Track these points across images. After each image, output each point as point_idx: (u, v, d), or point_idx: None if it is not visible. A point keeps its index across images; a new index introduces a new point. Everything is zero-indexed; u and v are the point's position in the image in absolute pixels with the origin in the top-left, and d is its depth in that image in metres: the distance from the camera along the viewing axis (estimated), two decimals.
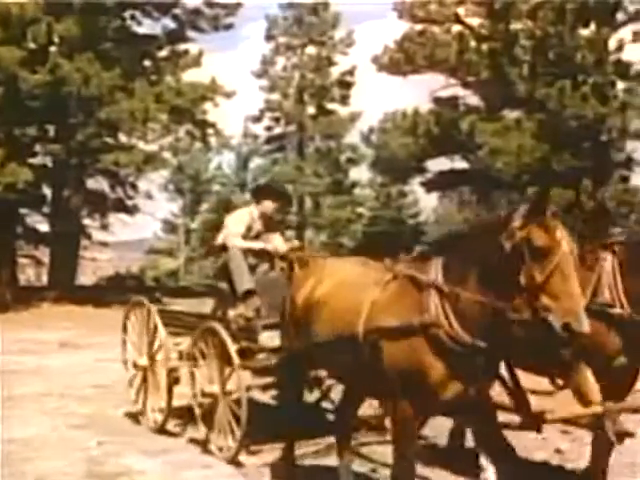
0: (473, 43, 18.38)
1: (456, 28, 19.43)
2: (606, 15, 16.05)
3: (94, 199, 20.90)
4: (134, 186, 21.58)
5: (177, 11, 21.35)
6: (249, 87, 47.37)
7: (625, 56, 16.24)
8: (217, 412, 6.50)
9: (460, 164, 20.45)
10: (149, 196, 22.47)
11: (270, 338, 6.43)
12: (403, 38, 20.31)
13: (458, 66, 18.34)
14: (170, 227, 36.72)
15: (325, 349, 5.09)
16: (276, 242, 7.24)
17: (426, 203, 33.84)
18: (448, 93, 20.06)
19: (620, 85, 16.32)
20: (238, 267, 6.80)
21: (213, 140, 22.71)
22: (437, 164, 20.98)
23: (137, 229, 34.01)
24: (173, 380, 7.16)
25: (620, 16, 16.22)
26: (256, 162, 34.92)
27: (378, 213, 32.23)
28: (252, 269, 6.99)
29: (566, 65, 16.17)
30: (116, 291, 20.02)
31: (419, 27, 20.32)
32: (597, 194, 15.50)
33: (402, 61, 20.01)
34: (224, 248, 6.96)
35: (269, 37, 32.18)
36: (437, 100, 20.20)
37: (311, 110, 32.11)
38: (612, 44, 16.30)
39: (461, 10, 19.49)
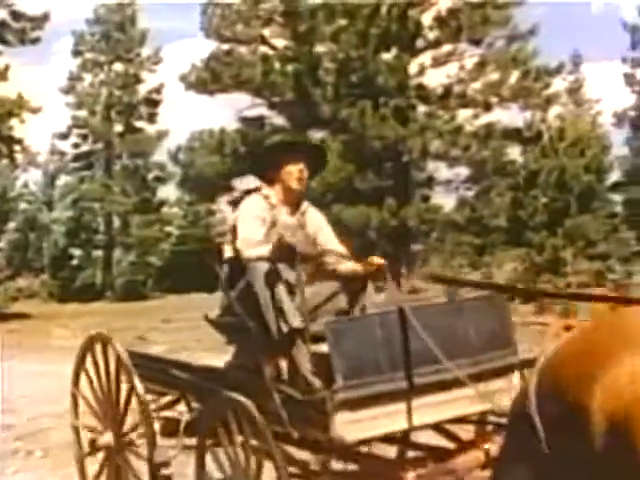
0: (278, 64, 18.55)
1: (262, 49, 19.65)
2: (407, 41, 16.54)
3: None
4: None
5: None
6: (57, 103, 46.03)
7: (425, 80, 16.79)
8: None
9: None
10: None
11: (353, 425, 3.90)
12: (210, 57, 20.27)
13: (263, 86, 18.45)
14: None
15: None
16: (323, 238, 4.74)
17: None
18: (254, 113, 20.16)
19: (421, 108, 16.85)
20: (269, 289, 4.37)
21: (20, 157, 22.00)
22: (244, 183, 20.87)
23: None
24: None
25: (420, 42, 16.74)
26: (63, 180, 33.68)
27: (186, 232, 31.91)
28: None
29: (368, 88, 16.55)
30: None
31: (226, 47, 20.39)
32: (400, 212, 15.86)
33: (209, 80, 19.95)
34: (237, 263, 4.57)
35: (76, 53, 31.37)
36: (243, 120, 20.25)
37: (119, 128, 31.49)
38: (413, 69, 16.82)
39: (267, 31, 19.69)
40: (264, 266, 4.37)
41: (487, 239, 18.23)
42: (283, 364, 4.36)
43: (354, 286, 4.51)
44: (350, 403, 3.86)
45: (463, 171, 16.80)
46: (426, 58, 16.57)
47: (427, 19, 16.53)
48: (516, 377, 4.37)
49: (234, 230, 4.67)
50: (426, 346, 3.83)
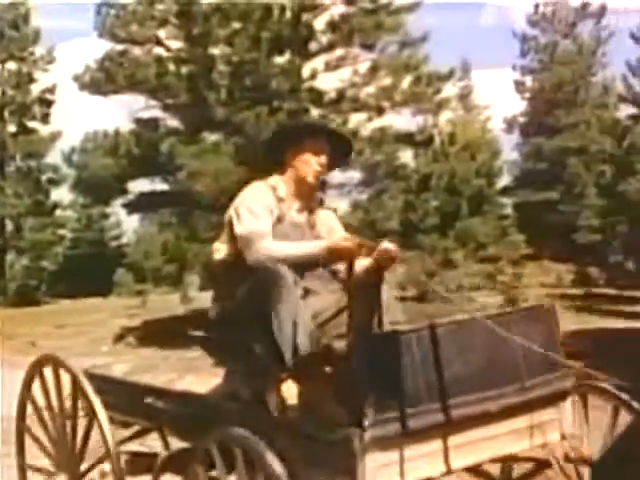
0: (172, 66, 18.38)
1: (157, 50, 19.42)
2: (299, 45, 16.57)
3: None
4: None
5: None
6: None
7: (318, 84, 16.83)
8: None
9: (161, 186, 20.41)
10: None
11: (385, 469, 3.22)
12: (104, 57, 19.92)
13: (158, 88, 18.24)
14: None
15: None
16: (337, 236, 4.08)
17: (128, 225, 33.52)
18: (149, 114, 19.92)
19: (314, 112, 16.90)
20: (287, 302, 3.62)
21: None
22: (138, 185, 20.71)
23: None
24: None
25: (313, 46, 16.79)
26: None
27: (80, 235, 31.49)
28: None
29: (262, 91, 16.52)
30: None
31: (120, 47, 20.08)
32: None
33: (103, 81, 19.59)
34: (235, 264, 3.90)
35: None
36: (138, 121, 19.98)
37: (12, 128, 30.79)
38: (306, 72, 16.85)
39: (162, 32, 19.46)
40: (283, 271, 3.67)
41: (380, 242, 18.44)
42: (284, 393, 3.76)
43: (370, 293, 3.83)
44: (382, 442, 3.17)
45: (356, 175, 16.89)
46: (319, 62, 16.61)
47: (320, 23, 16.57)
48: (569, 405, 3.84)
49: (230, 224, 3.98)
50: (469, 370, 3.37)
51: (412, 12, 16.75)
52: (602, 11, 30.44)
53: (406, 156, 17.89)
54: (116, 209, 27.14)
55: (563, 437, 3.85)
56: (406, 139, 16.82)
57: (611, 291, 22.11)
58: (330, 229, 4.25)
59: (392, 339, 3.31)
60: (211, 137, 18.20)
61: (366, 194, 17.92)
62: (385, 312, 3.88)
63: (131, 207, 21.73)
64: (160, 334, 15.54)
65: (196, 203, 17.93)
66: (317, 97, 16.74)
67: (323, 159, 4.11)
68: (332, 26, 16.44)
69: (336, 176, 17.35)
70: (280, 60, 16.82)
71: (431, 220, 20.12)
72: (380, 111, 16.45)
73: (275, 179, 4.18)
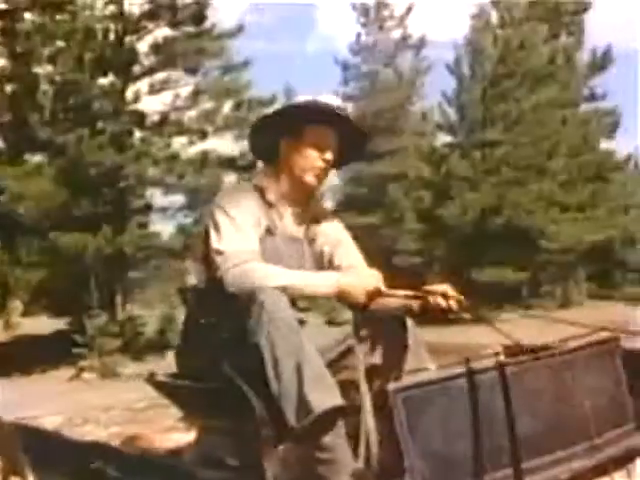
0: None
1: None
2: (123, 67, 16.55)
3: None
4: None
5: None
6: None
7: (141, 106, 16.86)
8: None
9: None
10: None
11: None
12: None
13: None
14: None
15: None
16: (344, 257, 3.29)
17: None
18: None
19: (137, 135, 16.89)
20: (284, 338, 2.73)
21: None
22: None
23: None
24: None
25: (137, 69, 16.81)
26: None
27: None
28: None
29: (85, 112, 16.39)
30: None
31: None
32: (116, 239, 15.79)
33: None
34: (213, 291, 2.98)
35: None
36: None
37: None
38: (129, 95, 16.84)
39: None
40: (282, 301, 2.80)
41: None
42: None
43: (394, 329, 3.02)
44: None
45: (179, 198, 16.96)
46: (143, 85, 16.65)
47: (144, 46, 16.63)
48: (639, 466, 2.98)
49: (207, 238, 3.04)
50: (537, 424, 2.63)
51: (234, 37, 17.05)
52: (421, 43, 31.65)
53: (230, 180, 18.08)
54: None
55: None
56: (228, 163, 17.03)
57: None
58: (336, 243, 3.30)
59: (442, 386, 2.51)
60: (34, 159, 17.86)
61: (190, 218, 17.98)
62: (411, 355, 3.03)
63: None
64: None
65: (19, 226, 17.56)
66: (140, 119, 16.74)
67: (328, 154, 3.17)
68: (155, 49, 16.51)
69: (159, 200, 17.42)
70: (104, 81, 16.75)
71: None
72: (203, 135, 16.62)
73: (262, 178, 3.25)
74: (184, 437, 3.73)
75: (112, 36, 16.26)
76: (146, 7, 16.50)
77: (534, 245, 23.50)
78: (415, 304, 2.99)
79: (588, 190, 25.87)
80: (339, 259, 3.27)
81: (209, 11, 16.72)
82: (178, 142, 16.73)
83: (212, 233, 3.03)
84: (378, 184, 26.90)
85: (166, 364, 13.90)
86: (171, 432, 3.76)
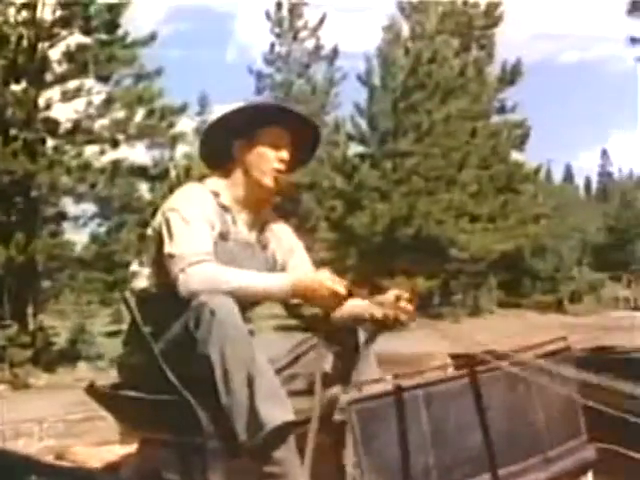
0: None
1: None
2: (36, 74, 16.37)
3: None
4: None
5: None
6: None
7: (54, 115, 16.70)
8: None
9: None
10: None
11: None
12: None
13: None
14: None
15: None
16: (298, 264, 3.29)
17: None
18: None
19: (50, 143, 16.74)
20: (235, 347, 2.65)
21: None
22: None
23: None
24: None
25: (49, 76, 16.65)
26: None
27: None
28: None
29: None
30: None
31: None
32: (28, 249, 15.63)
33: None
34: (162, 296, 2.93)
35: None
36: None
37: None
38: (42, 102, 16.67)
39: None
40: (228, 304, 2.70)
41: (116, 275, 18.40)
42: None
43: (344, 336, 2.97)
44: None
45: (90, 207, 16.85)
46: (56, 92, 16.49)
47: (56, 53, 16.48)
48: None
49: (157, 240, 3.00)
50: (492, 437, 2.59)
51: (147, 46, 17.00)
52: (334, 54, 32.01)
53: (142, 189, 18.01)
54: None
55: None
56: (140, 172, 16.98)
57: None
58: (289, 250, 3.29)
59: (399, 398, 2.47)
60: None
61: (104, 227, 17.86)
62: (363, 364, 3.00)
63: None
64: None
65: None
66: (53, 127, 16.58)
67: (284, 153, 3.11)
68: (68, 56, 16.37)
69: (72, 209, 17.26)
70: (16, 88, 16.55)
71: None
72: (114, 144, 16.53)
73: (216, 181, 3.16)
74: (120, 450, 3.63)
75: (25, 43, 16.05)
76: (59, 14, 16.33)
77: (444, 254, 23.99)
78: (378, 312, 2.88)
79: (498, 201, 26.53)
80: (292, 266, 3.25)
81: (125, 19, 16.69)
82: (90, 150, 16.60)
83: (165, 236, 2.94)
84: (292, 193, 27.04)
85: (79, 375, 13.77)
86: (107, 445, 3.63)
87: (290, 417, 2.60)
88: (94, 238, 18.17)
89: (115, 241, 17.39)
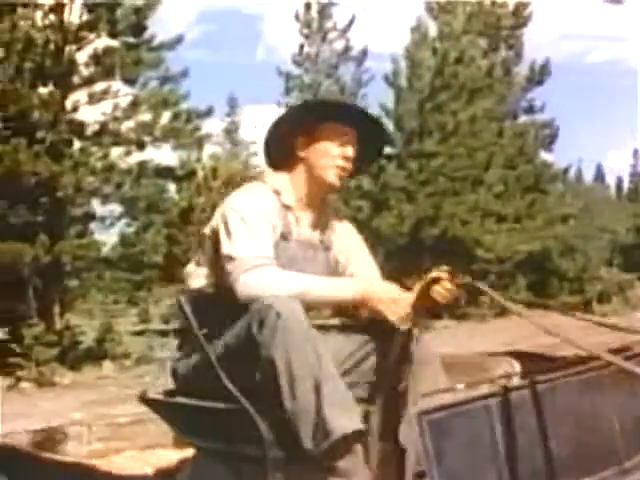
0: None
1: None
2: (62, 77, 16.57)
3: None
4: None
5: None
6: None
7: (80, 117, 16.89)
8: None
9: None
10: None
11: None
12: None
13: None
14: None
15: None
16: (360, 266, 3.20)
17: None
18: None
19: (76, 144, 16.93)
20: (300, 352, 2.53)
21: None
22: None
23: None
24: None
25: (76, 79, 16.84)
26: None
27: None
28: None
29: (24, 122, 16.39)
30: None
31: None
32: (54, 249, 15.82)
33: None
34: (219, 298, 2.83)
35: None
36: None
37: None
38: (69, 105, 16.87)
39: None
40: (299, 311, 2.57)
41: (143, 275, 18.60)
42: None
43: (396, 337, 2.77)
44: None
45: (117, 208, 17.03)
46: (82, 95, 16.69)
47: (83, 56, 16.69)
48: None
49: (214, 240, 2.91)
50: (564, 447, 2.43)
51: (173, 49, 17.17)
52: (363, 55, 32.01)
53: (169, 190, 18.17)
54: None
55: None
56: (167, 173, 17.12)
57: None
58: (352, 251, 3.17)
59: (469, 407, 2.33)
60: None
61: (130, 227, 18.04)
62: (426, 370, 2.82)
63: None
64: None
65: None
66: (79, 129, 16.78)
67: (349, 150, 2.99)
68: (95, 59, 16.57)
69: (98, 209, 17.46)
70: (43, 91, 16.76)
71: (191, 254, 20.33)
72: (140, 145, 16.68)
73: (279, 179, 3.04)
74: (172, 455, 3.55)
75: (52, 46, 16.26)
76: (86, 17, 16.54)
77: (470, 255, 23.92)
78: (440, 296, 2.78)
79: (525, 201, 26.39)
80: (354, 268, 3.16)
81: (153, 22, 16.87)
82: (116, 152, 16.78)
83: (223, 237, 2.84)
84: None
85: (103, 374, 13.95)
86: (159, 448, 3.53)
87: (359, 425, 2.50)
88: (123, 238, 18.36)
89: (142, 241, 17.55)
